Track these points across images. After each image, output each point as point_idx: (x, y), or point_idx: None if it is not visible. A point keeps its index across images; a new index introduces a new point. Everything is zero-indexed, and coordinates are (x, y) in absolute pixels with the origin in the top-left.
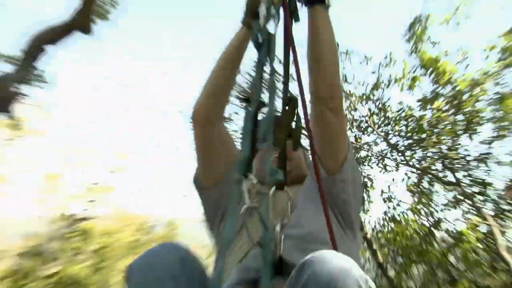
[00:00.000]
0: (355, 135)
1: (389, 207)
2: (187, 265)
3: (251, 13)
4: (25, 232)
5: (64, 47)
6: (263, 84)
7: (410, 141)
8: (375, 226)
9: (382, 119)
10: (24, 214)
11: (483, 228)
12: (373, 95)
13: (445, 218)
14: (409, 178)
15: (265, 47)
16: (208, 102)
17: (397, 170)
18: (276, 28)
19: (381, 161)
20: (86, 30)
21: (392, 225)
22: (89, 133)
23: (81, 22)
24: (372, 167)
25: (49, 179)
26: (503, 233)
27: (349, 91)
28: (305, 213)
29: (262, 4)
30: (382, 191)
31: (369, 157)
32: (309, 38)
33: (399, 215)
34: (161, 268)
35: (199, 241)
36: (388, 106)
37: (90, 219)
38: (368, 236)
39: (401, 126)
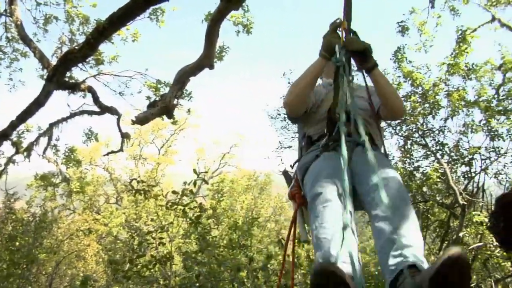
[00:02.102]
0: None
1: None
2: None
3: (328, 51)
4: None
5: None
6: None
7: (398, 121)
8: None
9: None
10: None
11: (441, 170)
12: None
13: (419, 165)
14: (398, 142)
15: (346, 67)
16: (297, 103)
17: (391, 138)
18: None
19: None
20: (211, 66)
21: None
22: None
23: (206, 62)
24: None
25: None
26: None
27: None
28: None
29: (337, 46)
30: None
31: None
32: (376, 89)
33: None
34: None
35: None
36: None
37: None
38: None
39: None
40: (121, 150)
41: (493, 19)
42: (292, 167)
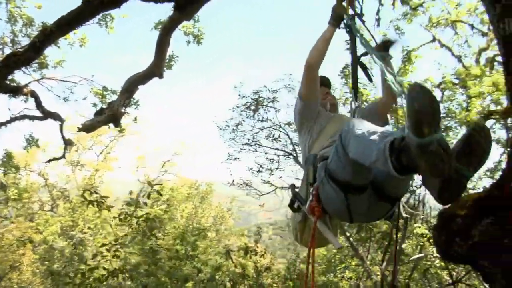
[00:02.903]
0: None
1: None
2: None
3: (337, 20)
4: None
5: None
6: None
7: None
8: None
9: None
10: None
11: None
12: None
13: None
14: None
15: (353, 29)
16: (316, 60)
17: None
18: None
19: None
20: (160, 76)
21: None
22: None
23: (156, 71)
24: None
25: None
26: None
27: None
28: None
29: (345, 15)
30: None
31: None
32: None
33: None
34: None
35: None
36: None
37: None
38: None
39: None
40: (63, 157)
41: (434, 39)
42: (311, 184)
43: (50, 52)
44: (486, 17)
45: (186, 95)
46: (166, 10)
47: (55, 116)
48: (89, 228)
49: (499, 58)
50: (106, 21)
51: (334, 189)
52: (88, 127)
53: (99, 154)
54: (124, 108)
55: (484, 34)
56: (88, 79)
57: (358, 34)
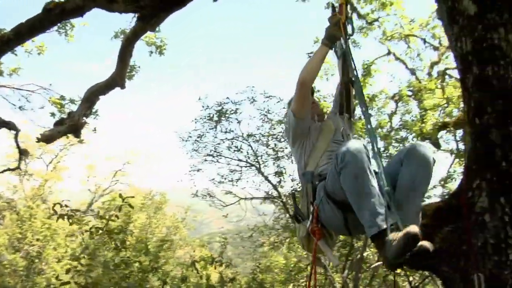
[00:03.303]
0: None
1: None
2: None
3: (331, 41)
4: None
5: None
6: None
7: None
8: None
9: None
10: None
11: None
12: None
13: None
14: None
15: (348, 52)
16: (310, 78)
17: None
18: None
19: None
20: (122, 86)
21: None
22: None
23: (118, 81)
24: None
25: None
26: None
27: None
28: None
29: (341, 37)
30: None
31: None
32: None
33: None
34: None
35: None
36: None
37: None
38: None
39: None
40: (18, 167)
41: (389, 52)
42: (311, 203)
43: (5, 59)
44: (437, 32)
45: (152, 103)
46: (127, 19)
47: (10, 125)
48: (37, 240)
49: (450, 72)
50: (66, 29)
51: (333, 208)
52: (48, 138)
53: (49, 164)
54: (85, 118)
55: (435, 48)
56: (45, 88)
57: (350, 56)
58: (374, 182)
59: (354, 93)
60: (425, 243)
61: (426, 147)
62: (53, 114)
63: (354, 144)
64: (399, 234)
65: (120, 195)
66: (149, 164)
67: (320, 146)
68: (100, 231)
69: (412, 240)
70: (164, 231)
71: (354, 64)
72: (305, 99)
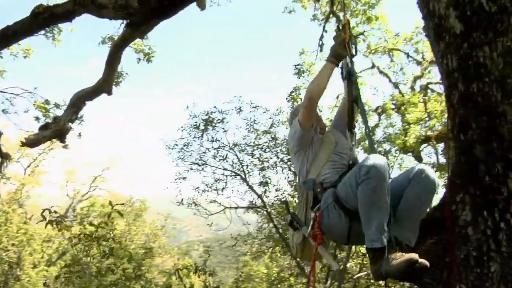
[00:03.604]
0: None
1: None
2: None
3: (337, 59)
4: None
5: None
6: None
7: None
8: None
9: None
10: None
11: None
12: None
13: None
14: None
15: (354, 70)
16: (319, 94)
17: (282, 172)
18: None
19: None
20: (109, 92)
21: None
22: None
23: (105, 87)
24: None
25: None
26: None
27: None
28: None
29: (347, 56)
30: None
31: None
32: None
33: None
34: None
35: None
36: None
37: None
38: None
39: None
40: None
41: (373, 66)
42: (312, 209)
43: None
44: (420, 47)
45: (143, 106)
46: (115, 25)
47: None
48: (13, 245)
49: (432, 86)
50: (54, 34)
51: (340, 214)
52: (33, 142)
53: (27, 167)
54: (70, 123)
55: (418, 63)
56: (30, 91)
57: (355, 75)
58: (388, 199)
59: (358, 110)
60: (423, 261)
61: (434, 173)
62: (37, 118)
63: (380, 160)
64: (402, 258)
65: (110, 203)
66: (133, 170)
67: (322, 156)
68: (90, 238)
69: (412, 266)
70: (143, 239)
71: (357, 84)
72: (312, 112)
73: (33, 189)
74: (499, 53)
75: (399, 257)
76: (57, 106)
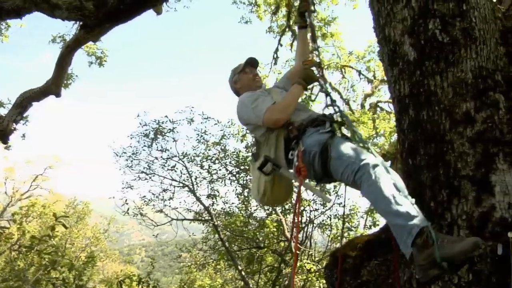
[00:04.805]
0: None
1: None
2: None
3: (307, 82)
4: None
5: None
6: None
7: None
8: None
9: None
10: None
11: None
12: None
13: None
14: (236, 189)
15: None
16: (288, 117)
17: (231, 185)
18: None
19: None
20: (57, 94)
21: None
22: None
23: (53, 89)
24: None
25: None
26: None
27: None
28: None
29: (320, 79)
30: None
31: None
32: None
33: None
34: None
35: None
36: None
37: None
38: None
39: None
40: None
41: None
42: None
43: None
44: (371, 65)
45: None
46: (67, 25)
47: None
48: None
49: (382, 105)
50: (1, 29)
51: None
52: None
53: None
54: (15, 124)
55: (369, 81)
56: None
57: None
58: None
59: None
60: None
61: None
62: None
63: (376, 160)
64: (463, 240)
65: (54, 214)
66: (78, 172)
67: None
68: (30, 251)
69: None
70: (84, 242)
71: (338, 106)
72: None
73: None
74: (450, 83)
75: (454, 240)
76: (1, 104)
